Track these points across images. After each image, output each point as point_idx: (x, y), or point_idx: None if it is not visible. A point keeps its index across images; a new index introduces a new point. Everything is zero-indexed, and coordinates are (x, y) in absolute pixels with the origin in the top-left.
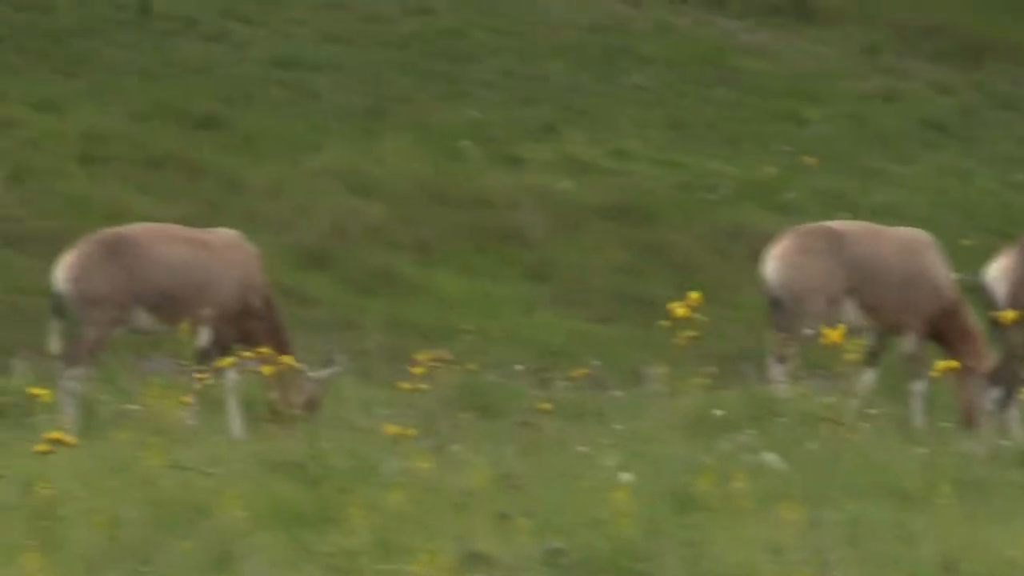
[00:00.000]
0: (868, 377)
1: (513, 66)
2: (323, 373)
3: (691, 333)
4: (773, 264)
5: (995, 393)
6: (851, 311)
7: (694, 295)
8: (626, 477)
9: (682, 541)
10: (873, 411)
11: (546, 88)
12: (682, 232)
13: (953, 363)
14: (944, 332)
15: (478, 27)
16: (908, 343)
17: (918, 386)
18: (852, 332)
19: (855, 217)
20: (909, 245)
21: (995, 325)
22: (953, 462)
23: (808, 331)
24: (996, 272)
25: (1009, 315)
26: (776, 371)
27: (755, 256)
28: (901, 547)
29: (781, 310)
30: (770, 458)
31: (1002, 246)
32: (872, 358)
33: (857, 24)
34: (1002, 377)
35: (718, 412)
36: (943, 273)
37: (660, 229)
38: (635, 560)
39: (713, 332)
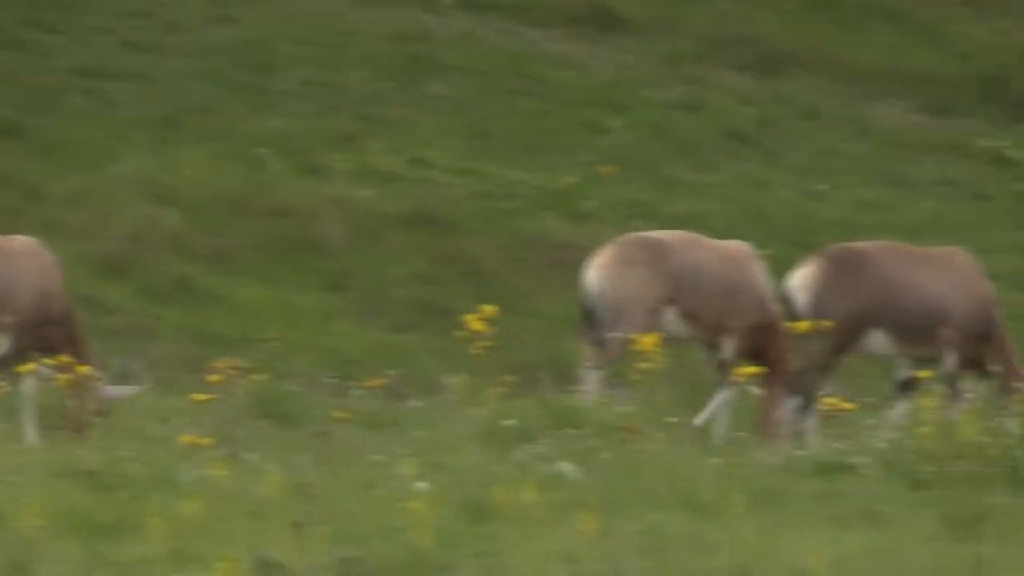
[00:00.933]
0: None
1: (315, 76)
2: (125, 390)
3: (488, 343)
4: (594, 274)
5: (794, 402)
6: (672, 320)
7: (489, 308)
8: (421, 486)
9: (477, 551)
10: (671, 420)
11: (348, 98)
12: (481, 241)
13: (757, 372)
14: (760, 344)
15: (281, 37)
16: (727, 351)
17: (727, 395)
18: (673, 341)
19: (655, 226)
20: (731, 255)
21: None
22: (748, 472)
23: (617, 335)
24: (798, 281)
25: (804, 325)
26: (590, 380)
27: (553, 265)
28: (695, 557)
29: (595, 320)
30: (565, 468)
31: (801, 256)
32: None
33: (660, 34)
34: (801, 386)
35: (514, 422)
36: (766, 284)
37: (459, 238)
38: (429, 570)
39: (510, 341)
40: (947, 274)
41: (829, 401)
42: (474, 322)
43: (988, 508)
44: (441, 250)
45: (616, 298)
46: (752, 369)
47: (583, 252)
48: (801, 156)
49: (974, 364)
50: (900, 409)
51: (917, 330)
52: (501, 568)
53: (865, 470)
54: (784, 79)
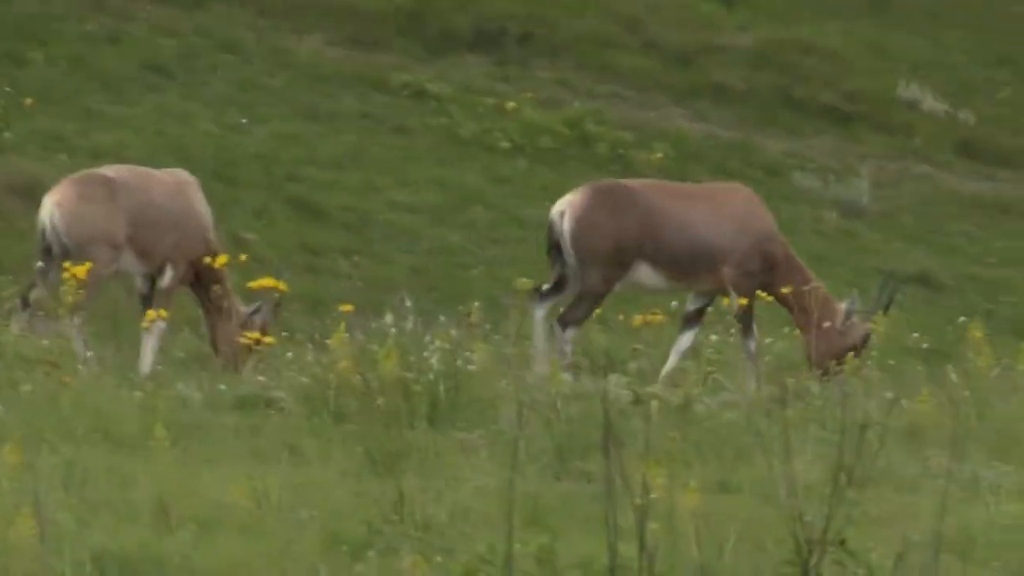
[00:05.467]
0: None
1: None
2: None
3: None
4: (54, 212)
5: (570, 333)
6: (128, 258)
7: None
8: None
9: None
10: (90, 354)
11: None
12: None
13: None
14: (197, 273)
15: None
16: (165, 281)
17: (157, 329)
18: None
19: (79, 160)
20: (176, 187)
21: None
22: (169, 406)
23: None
24: (561, 208)
25: (223, 258)
26: (19, 314)
27: None
28: (115, 490)
29: (53, 258)
30: None
31: (222, 189)
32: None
33: None
34: (573, 316)
35: None
36: (208, 214)
37: None
38: None
39: None
40: (723, 210)
41: (251, 335)
42: None
43: (409, 444)
44: None
45: (82, 237)
46: (160, 312)
47: (2, 185)
48: (221, 89)
49: (767, 290)
50: (685, 341)
51: (687, 265)
52: None
53: (287, 405)
54: (205, 11)
